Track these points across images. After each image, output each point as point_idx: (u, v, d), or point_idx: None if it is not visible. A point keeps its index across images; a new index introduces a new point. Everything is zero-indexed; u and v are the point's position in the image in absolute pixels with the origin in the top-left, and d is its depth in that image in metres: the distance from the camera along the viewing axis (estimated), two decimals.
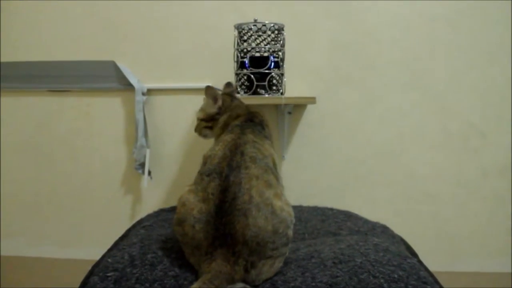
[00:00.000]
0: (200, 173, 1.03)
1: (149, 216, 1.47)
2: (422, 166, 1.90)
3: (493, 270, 1.89)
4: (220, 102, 1.32)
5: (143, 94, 1.91)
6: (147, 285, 0.92)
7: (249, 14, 1.76)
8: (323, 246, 1.11)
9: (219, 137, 1.20)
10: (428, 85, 1.87)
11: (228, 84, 1.45)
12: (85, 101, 1.97)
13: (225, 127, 1.25)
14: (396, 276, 0.93)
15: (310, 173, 1.92)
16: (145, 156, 1.90)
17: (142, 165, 1.90)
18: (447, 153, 1.89)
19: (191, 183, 1.05)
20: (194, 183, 1.03)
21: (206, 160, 1.05)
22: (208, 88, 1.33)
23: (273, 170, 1.05)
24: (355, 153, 1.91)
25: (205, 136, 1.38)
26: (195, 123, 1.39)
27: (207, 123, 1.34)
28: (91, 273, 1.03)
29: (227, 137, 1.09)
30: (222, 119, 1.29)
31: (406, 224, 1.89)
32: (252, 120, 1.22)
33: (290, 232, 1.00)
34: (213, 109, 1.33)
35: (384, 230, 1.33)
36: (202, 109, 1.38)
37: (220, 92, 1.36)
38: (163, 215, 1.46)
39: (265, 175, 0.99)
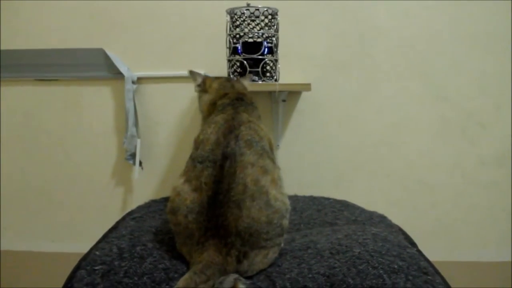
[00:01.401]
0: (192, 159, 1.00)
1: (139, 208, 1.43)
2: (419, 155, 1.88)
3: (492, 260, 1.88)
4: (199, 80, 1.38)
5: (133, 82, 1.86)
6: (136, 278, 0.89)
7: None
8: (320, 237, 1.08)
9: (209, 117, 1.16)
10: (426, 74, 1.84)
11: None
12: (73, 90, 1.92)
13: (212, 106, 1.22)
14: (396, 266, 0.90)
15: (305, 162, 1.89)
16: (135, 146, 1.86)
17: (133, 155, 1.86)
18: (445, 142, 1.87)
19: (184, 170, 1.02)
20: (186, 169, 1.00)
21: (198, 144, 1.02)
22: (191, 72, 1.41)
23: (269, 153, 1.02)
24: (352, 142, 1.88)
25: None
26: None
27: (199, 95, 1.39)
28: (78, 267, 0.99)
29: (219, 118, 1.05)
30: (207, 97, 1.29)
31: (404, 214, 1.87)
32: (243, 99, 1.19)
33: (285, 222, 0.97)
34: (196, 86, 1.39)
35: (382, 220, 1.30)
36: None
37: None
38: (154, 206, 1.42)
39: (261, 160, 0.96)
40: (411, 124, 1.87)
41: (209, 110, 1.24)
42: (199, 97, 1.38)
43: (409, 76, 1.85)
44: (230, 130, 0.99)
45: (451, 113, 1.86)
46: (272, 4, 1.62)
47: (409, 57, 1.84)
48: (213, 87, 1.32)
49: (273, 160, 1.02)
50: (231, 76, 1.60)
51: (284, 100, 1.79)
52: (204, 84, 1.37)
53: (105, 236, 1.20)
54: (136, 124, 1.86)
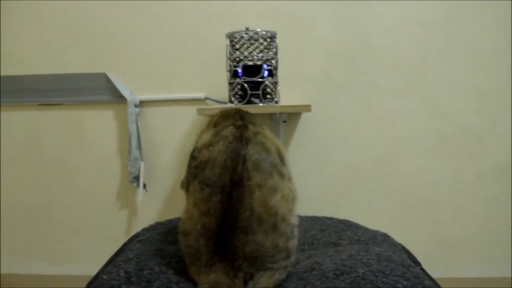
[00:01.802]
0: (200, 181, 0.96)
1: (145, 230, 1.43)
2: (418, 171, 1.90)
3: (494, 275, 1.88)
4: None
5: (136, 106, 1.89)
6: None
7: (240, 23, 1.75)
8: (324, 257, 1.08)
9: (213, 128, 1.08)
10: (423, 90, 1.87)
11: None
12: (76, 114, 1.95)
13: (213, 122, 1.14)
14: (400, 286, 0.91)
15: (307, 181, 1.91)
16: (139, 169, 1.88)
17: (137, 178, 1.88)
18: (444, 157, 1.89)
19: (190, 189, 0.98)
20: (193, 190, 0.97)
21: (204, 164, 0.97)
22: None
23: (278, 167, 0.98)
24: (352, 160, 1.90)
25: None
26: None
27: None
28: None
29: (228, 132, 1.00)
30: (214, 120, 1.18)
31: (405, 230, 1.88)
32: (241, 109, 1.15)
33: (292, 244, 0.96)
34: None
35: (385, 239, 1.30)
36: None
37: None
38: (159, 228, 1.42)
39: (270, 179, 0.94)
40: (409, 141, 1.89)
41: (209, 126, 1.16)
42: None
43: (407, 93, 1.87)
44: (238, 152, 0.96)
45: (449, 129, 1.88)
46: (270, 27, 1.67)
47: (406, 75, 1.87)
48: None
49: (282, 174, 0.98)
50: (232, 100, 1.62)
51: (285, 121, 1.82)
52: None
53: (112, 259, 1.21)
54: (139, 146, 1.88)
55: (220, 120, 1.11)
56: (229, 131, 1.00)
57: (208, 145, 1.00)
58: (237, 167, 0.94)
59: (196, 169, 0.99)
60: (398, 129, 1.89)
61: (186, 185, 1.04)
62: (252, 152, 0.96)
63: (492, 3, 1.82)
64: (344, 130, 1.89)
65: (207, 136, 1.04)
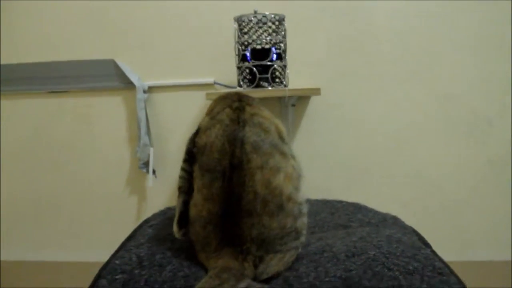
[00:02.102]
0: (200, 166, 0.96)
1: (155, 215, 1.44)
2: (428, 156, 1.89)
3: (506, 258, 1.87)
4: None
5: (144, 92, 1.90)
6: (157, 286, 0.90)
7: (248, 6, 1.71)
8: (335, 239, 1.09)
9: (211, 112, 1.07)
10: (432, 75, 1.86)
11: None
12: (85, 101, 1.96)
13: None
14: (411, 267, 0.91)
15: (316, 165, 1.91)
16: (149, 155, 1.89)
17: (146, 164, 1.89)
18: (453, 143, 1.88)
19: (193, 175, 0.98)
20: (195, 176, 0.97)
21: (202, 149, 0.96)
22: None
23: (278, 146, 0.96)
24: (361, 144, 1.90)
25: None
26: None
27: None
28: (99, 276, 1.00)
29: (224, 115, 0.99)
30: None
31: (414, 215, 1.88)
32: (241, 92, 1.13)
33: (301, 223, 0.96)
34: None
35: (395, 221, 1.30)
36: None
37: None
38: (169, 213, 1.43)
39: (271, 160, 0.93)
40: (419, 126, 1.88)
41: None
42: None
43: (416, 78, 1.86)
44: (235, 135, 0.94)
45: (458, 114, 1.86)
46: (279, 10, 1.64)
47: (415, 59, 1.86)
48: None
49: (284, 153, 0.97)
50: (241, 84, 1.62)
51: (293, 105, 1.82)
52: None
53: (123, 245, 1.22)
54: (148, 133, 1.89)
55: (217, 102, 1.10)
56: (225, 113, 0.99)
57: (205, 129, 0.99)
58: (235, 151, 0.93)
59: (196, 155, 0.98)
60: (407, 114, 1.88)
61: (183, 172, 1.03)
62: (249, 134, 0.94)
63: None
64: (354, 114, 1.88)
65: (204, 121, 1.03)
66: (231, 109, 1.00)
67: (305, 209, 0.98)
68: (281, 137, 1.00)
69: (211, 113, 1.06)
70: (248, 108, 1.01)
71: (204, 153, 0.96)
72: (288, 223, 0.93)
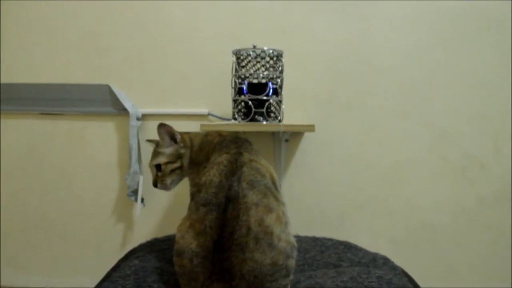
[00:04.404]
0: (196, 202, 1.01)
1: (142, 246, 1.44)
2: (420, 194, 1.90)
3: None
4: (179, 136, 1.27)
5: (138, 119, 1.89)
6: None
7: (247, 40, 1.73)
8: (325, 279, 1.09)
9: (206, 159, 1.15)
10: (426, 114, 1.88)
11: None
12: (78, 125, 1.96)
13: (203, 148, 1.22)
14: None
15: (308, 201, 1.90)
16: (138, 183, 1.87)
17: (135, 192, 1.88)
18: (445, 182, 1.89)
19: (187, 212, 1.03)
20: (190, 212, 1.01)
21: (200, 187, 1.02)
22: (162, 126, 1.26)
23: (272, 190, 1.04)
24: (354, 181, 1.90)
25: (172, 183, 1.26)
26: (152, 175, 1.29)
27: (174, 164, 1.24)
28: None
29: (223, 159, 1.06)
30: (197, 141, 1.26)
31: (405, 253, 1.88)
32: (241, 138, 1.20)
33: (291, 262, 0.98)
34: (175, 146, 1.26)
35: (385, 262, 1.31)
36: (160, 153, 1.26)
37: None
38: (157, 245, 1.43)
39: (265, 199, 0.98)
40: (412, 163, 1.89)
41: (201, 152, 1.23)
42: (184, 155, 1.27)
43: (410, 115, 1.88)
44: (233, 172, 1.01)
45: (451, 153, 1.88)
46: (277, 43, 1.66)
47: (409, 97, 1.88)
48: (196, 140, 1.29)
49: (277, 197, 1.04)
50: (235, 117, 1.63)
51: (287, 140, 1.83)
52: (183, 140, 1.29)
53: (108, 275, 1.21)
54: (139, 160, 1.88)
55: (216, 148, 1.16)
56: (223, 158, 1.06)
57: (203, 173, 1.05)
58: (232, 185, 0.99)
59: (194, 194, 1.03)
60: (401, 151, 1.89)
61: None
62: (247, 173, 1.01)
63: (496, 29, 1.84)
64: (347, 150, 1.89)
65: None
66: (229, 155, 1.07)
67: (295, 253, 1.01)
68: (274, 184, 1.08)
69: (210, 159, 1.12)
70: (246, 154, 1.08)
71: (202, 190, 1.01)
72: (280, 260, 0.94)
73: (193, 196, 1.05)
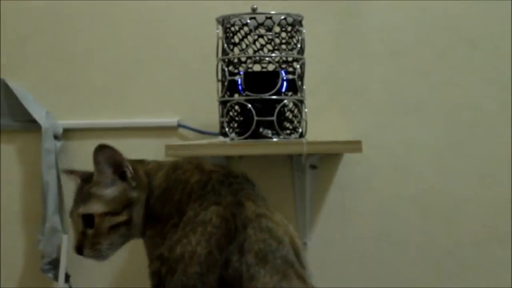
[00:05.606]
0: None
1: None
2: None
3: None
4: (130, 168, 0.95)
5: (56, 137, 1.48)
6: None
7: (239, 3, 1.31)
8: None
9: (177, 211, 0.89)
10: None
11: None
12: None
13: (171, 191, 0.92)
14: None
15: (347, 264, 1.44)
16: (59, 248, 1.42)
17: (54, 263, 1.43)
18: None
19: None
20: None
21: (173, 264, 0.78)
22: (102, 150, 0.93)
23: (295, 265, 0.80)
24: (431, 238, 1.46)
25: (110, 248, 0.93)
26: (75, 232, 0.94)
27: (118, 216, 0.93)
28: None
29: (210, 215, 0.82)
30: (159, 179, 0.95)
31: None
32: (237, 176, 0.93)
33: None
34: (121, 186, 0.93)
35: None
36: (93, 195, 0.94)
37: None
38: None
39: (284, 282, 0.74)
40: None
41: (165, 204, 0.92)
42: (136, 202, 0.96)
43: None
44: (230, 238, 0.78)
45: None
46: (291, 9, 1.21)
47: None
48: (158, 176, 0.98)
49: (303, 278, 0.79)
50: (225, 130, 1.23)
51: (314, 167, 1.40)
52: (137, 175, 0.97)
53: None
54: (60, 209, 1.46)
55: (195, 193, 0.90)
56: (211, 212, 0.84)
57: (177, 239, 0.84)
58: (230, 260, 0.77)
59: (157, 271, 0.83)
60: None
61: None
62: (254, 239, 0.79)
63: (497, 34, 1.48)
64: (418, 183, 1.43)
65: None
66: (221, 207, 0.84)
67: None
68: (297, 253, 0.85)
69: (185, 216, 0.87)
70: (250, 205, 0.85)
71: (176, 271, 0.78)
72: None
73: (158, 279, 0.81)
